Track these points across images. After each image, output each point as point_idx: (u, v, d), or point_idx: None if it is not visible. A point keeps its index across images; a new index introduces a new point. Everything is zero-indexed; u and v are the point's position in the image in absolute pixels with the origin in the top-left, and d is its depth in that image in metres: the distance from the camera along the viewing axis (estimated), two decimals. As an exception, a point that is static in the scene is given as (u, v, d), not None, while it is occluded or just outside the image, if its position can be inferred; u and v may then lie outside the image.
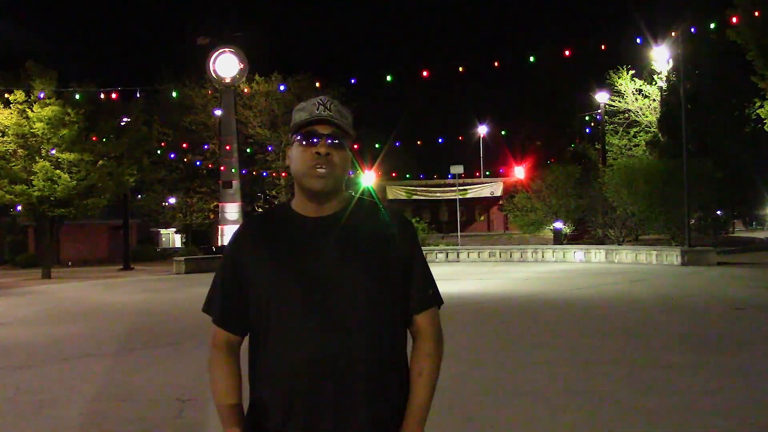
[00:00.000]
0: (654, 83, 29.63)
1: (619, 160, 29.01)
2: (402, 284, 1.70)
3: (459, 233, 28.24)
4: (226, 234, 27.19)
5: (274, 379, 1.62)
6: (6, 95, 21.03)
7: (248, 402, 1.71)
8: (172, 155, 34.30)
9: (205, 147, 35.45)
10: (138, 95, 25.15)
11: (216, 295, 1.75)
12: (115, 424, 4.94)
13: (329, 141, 1.66)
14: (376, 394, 1.61)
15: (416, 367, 1.70)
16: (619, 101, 30.78)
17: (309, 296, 1.61)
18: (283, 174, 35.06)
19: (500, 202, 38.56)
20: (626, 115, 31.26)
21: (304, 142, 1.67)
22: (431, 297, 1.75)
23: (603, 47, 22.29)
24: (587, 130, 37.85)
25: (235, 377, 1.71)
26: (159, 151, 31.73)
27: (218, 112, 30.67)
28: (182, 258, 22.83)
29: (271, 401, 1.62)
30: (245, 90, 32.70)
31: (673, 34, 23.25)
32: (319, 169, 1.64)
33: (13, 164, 21.10)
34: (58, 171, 21.06)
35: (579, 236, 26.38)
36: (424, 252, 1.82)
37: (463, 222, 32.21)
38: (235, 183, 27.77)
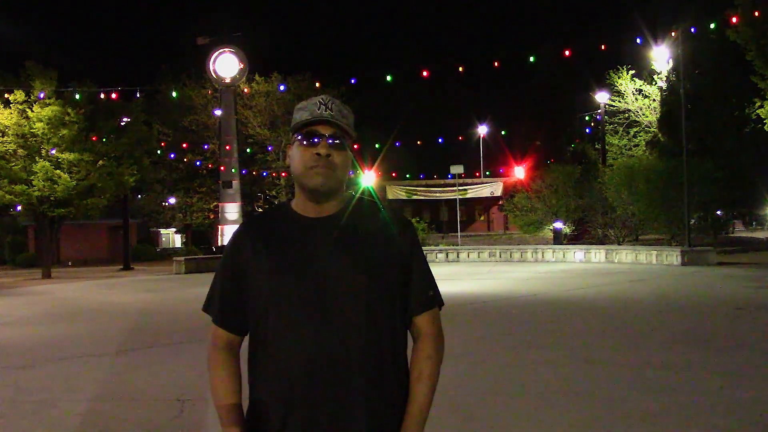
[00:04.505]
0: (654, 83, 29.63)
1: (619, 160, 29.01)
2: (402, 285, 1.69)
3: (459, 233, 28.26)
4: (226, 234, 27.19)
5: (273, 380, 1.62)
6: (6, 95, 21.05)
7: (248, 402, 1.71)
8: (172, 155, 34.30)
9: (205, 147, 35.45)
10: (138, 95, 25.16)
11: (215, 295, 1.75)
12: (115, 424, 4.94)
13: (330, 141, 1.65)
14: (375, 394, 1.61)
15: (416, 369, 1.69)
16: (619, 101, 30.78)
17: (308, 297, 1.60)
18: (283, 174, 35.08)
19: (500, 202, 38.58)
20: (626, 115, 31.27)
21: (304, 142, 1.66)
22: (431, 298, 1.74)
23: (603, 47, 22.29)
24: (587, 130, 37.85)
25: (234, 377, 1.71)
26: (159, 151, 31.73)
27: (218, 112, 30.67)
28: (182, 258, 22.83)
29: (270, 402, 1.62)
30: (245, 90, 32.70)
31: (673, 34, 23.25)
32: (319, 169, 1.64)
33: (13, 164, 21.11)
34: (58, 171, 21.07)
35: (579, 236, 26.37)
36: (424, 252, 1.82)
37: (463, 222, 32.24)
38: (235, 183, 27.78)
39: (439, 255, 23.45)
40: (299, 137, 1.67)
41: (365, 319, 1.61)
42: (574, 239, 25.99)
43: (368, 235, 1.68)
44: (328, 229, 1.66)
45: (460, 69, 23.61)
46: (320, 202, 1.68)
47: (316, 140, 1.65)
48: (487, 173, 42.66)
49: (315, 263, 1.62)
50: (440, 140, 37.79)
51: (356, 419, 1.58)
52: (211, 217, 36.30)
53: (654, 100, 30.01)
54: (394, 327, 1.67)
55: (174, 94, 30.29)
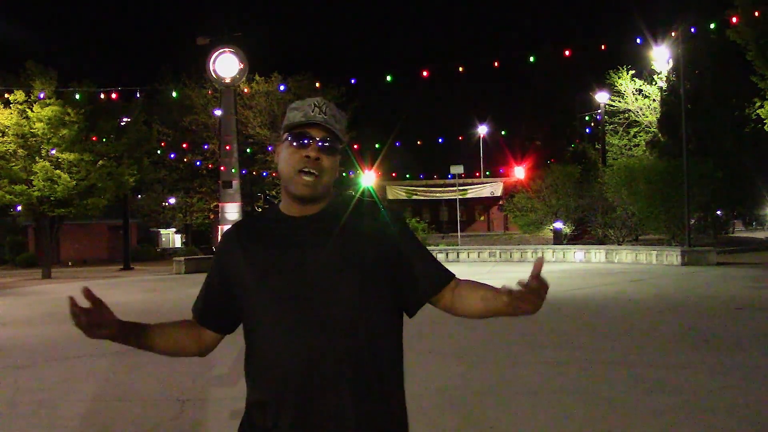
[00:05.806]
0: (654, 83, 29.62)
1: (619, 160, 28.99)
2: (392, 280, 1.68)
3: (459, 233, 28.27)
4: (226, 234, 27.14)
5: (264, 380, 1.63)
6: (6, 95, 21.05)
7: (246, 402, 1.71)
8: (172, 155, 34.30)
9: (205, 147, 35.43)
10: (138, 95, 25.15)
11: (201, 296, 1.81)
12: (114, 424, 4.94)
13: (320, 145, 1.65)
14: (364, 392, 1.59)
15: (470, 284, 1.75)
16: (619, 101, 30.77)
17: (296, 295, 1.60)
18: (283, 174, 35.05)
19: (500, 202, 38.58)
20: (626, 115, 31.26)
21: (294, 143, 1.66)
22: (444, 273, 1.76)
23: (603, 47, 22.26)
24: (587, 130, 37.86)
25: (177, 330, 1.80)
26: (159, 151, 31.74)
27: (218, 112, 30.63)
28: (182, 258, 22.85)
29: (263, 402, 1.62)
30: (245, 90, 32.68)
31: (673, 34, 23.24)
32: (305, 177, 1.63)
33: (13, 164, 21.10)
34: (58, 171, 21.07)
35: (579, 236, 26.36)
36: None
37: (463, 222, 32.24)
38: (235, 183, 27.72)
39: (439, 255, 23.43)
40: (290, 138, 1.67)
41: (355, 316, 1.60)
42: (574, 239, 25.98)
43: (354, 230, 1.67)
44: (312, 228, 1.66)
45: (460, 69, 23.59)
46: (305, 205, 1.69)
47: (306, 142, 1.65)
48: (487, 173, 42.65)
49: (300, 262, 1.62)
50: (440, 140, 37.79)
51: (347, 418, 1.57)
52: (211, 217, 36.30)
53: (654, 100, 29.99)
54: (385, 323, 1.66)
55: (174, 94, 30.28)
